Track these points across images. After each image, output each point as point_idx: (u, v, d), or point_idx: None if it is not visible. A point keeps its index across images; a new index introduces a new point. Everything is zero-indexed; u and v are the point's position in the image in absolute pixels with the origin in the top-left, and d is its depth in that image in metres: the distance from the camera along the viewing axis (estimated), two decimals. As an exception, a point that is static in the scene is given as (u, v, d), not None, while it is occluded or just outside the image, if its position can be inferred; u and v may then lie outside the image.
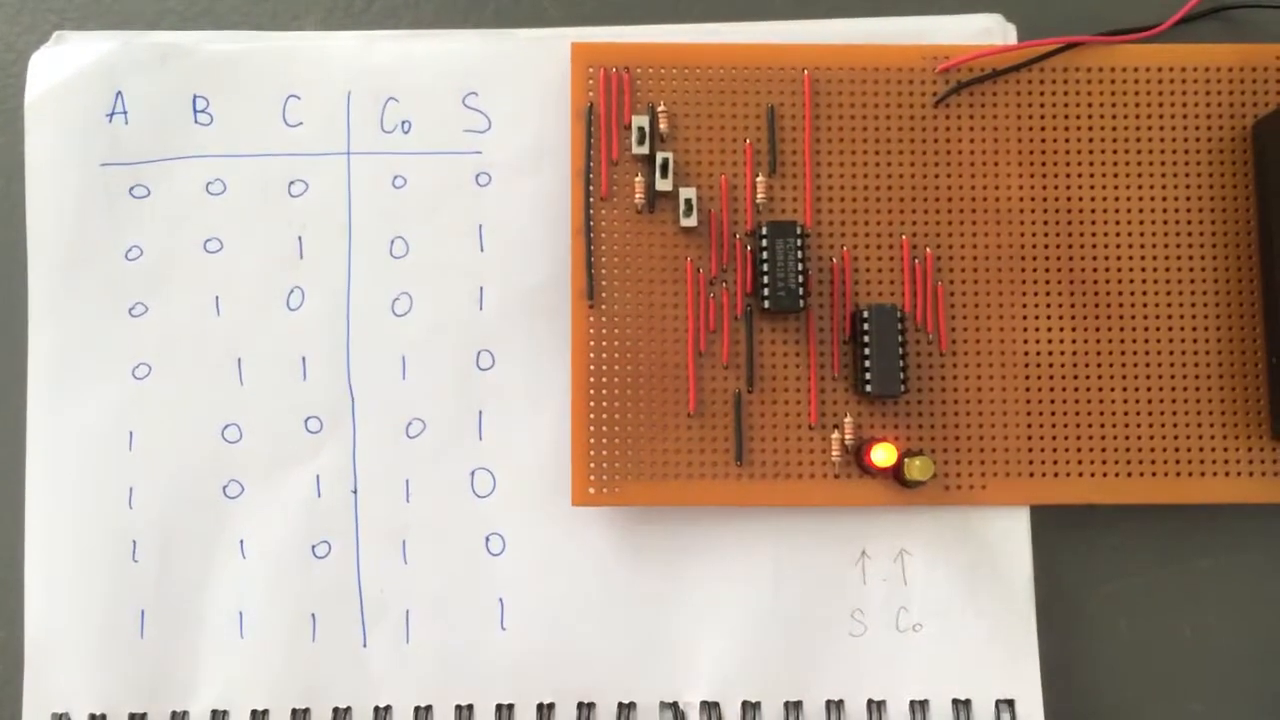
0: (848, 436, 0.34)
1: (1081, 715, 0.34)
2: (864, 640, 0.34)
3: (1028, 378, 0.34)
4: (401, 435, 0.34)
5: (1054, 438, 0.34)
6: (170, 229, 0.35)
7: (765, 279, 0.33)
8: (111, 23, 0.37)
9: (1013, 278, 0.34)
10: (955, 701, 0.34)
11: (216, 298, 0.35)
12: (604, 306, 0.34)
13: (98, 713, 0.34)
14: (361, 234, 0.35)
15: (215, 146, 0.35)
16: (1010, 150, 0.35)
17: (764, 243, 0.33)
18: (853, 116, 0.35)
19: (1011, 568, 0.34)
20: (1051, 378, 0.34)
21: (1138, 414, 0.34)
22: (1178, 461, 0.34)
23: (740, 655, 0.34)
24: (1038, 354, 0.34)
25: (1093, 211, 0.34)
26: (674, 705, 0.34)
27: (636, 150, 0.34)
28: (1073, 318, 0.34)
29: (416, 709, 0.34)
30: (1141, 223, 0.35)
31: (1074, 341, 0.34)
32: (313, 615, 0.34)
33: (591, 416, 0.33)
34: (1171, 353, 0.34)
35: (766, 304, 0.33)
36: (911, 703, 0.34)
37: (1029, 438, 0.34)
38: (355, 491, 0.34)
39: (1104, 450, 0.34)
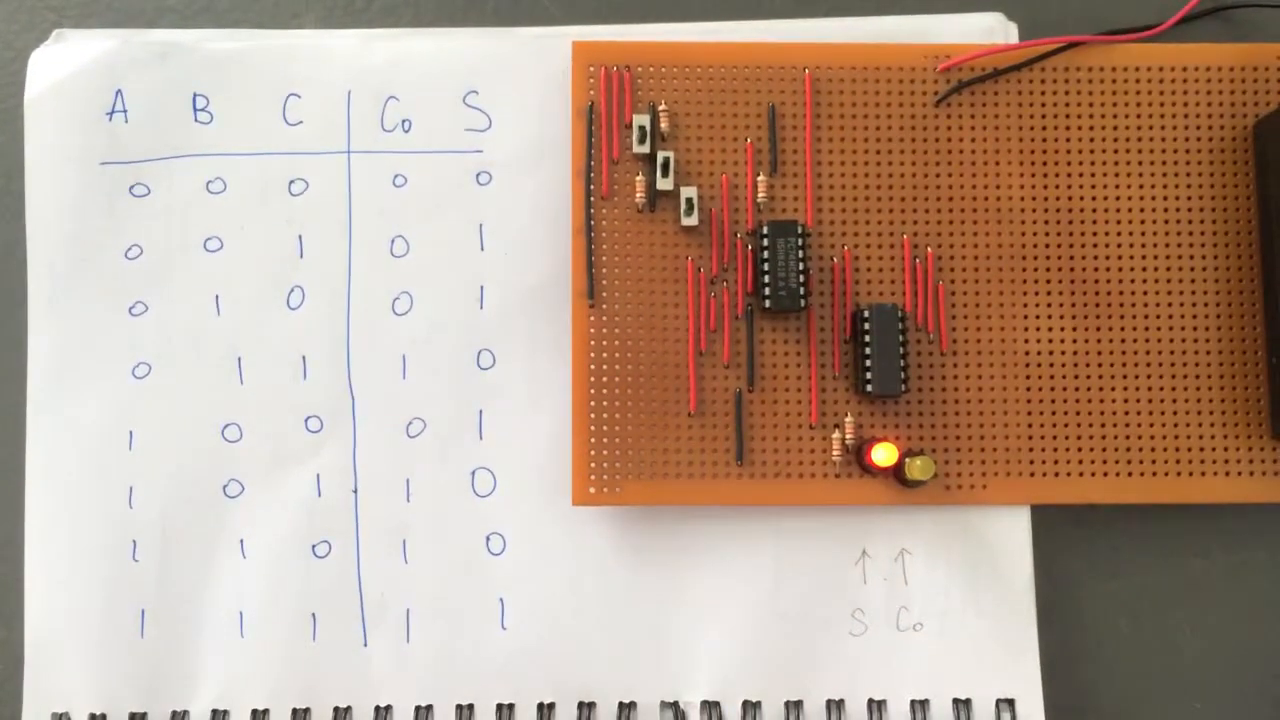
0: (848, 436, 0.34)
1: (1082, 714, 0.34)
2: (864, 640, 0.34)
3: (1028, 377, 0.34)
4: (402, 434, 0.34)
5: (1054, 437, 0.34)
6: (170, 228, 0.35)
7: (766, 278, 0.33)
8: (111, 21, 0.37)
9: (1013, 277, 0.34)
10: (956, 701, 0.34)
11: (216, 297, 0.35)
12: (604, 306, 0.34)
13: (98, 712, 0.34)
14: (362, 233, 0.35)
15: (215, 145, 0.35)
16: (1011, 150, 0.35)
17: (765, 242, 0.33)
18: (854, 116, 0.34)
19: (1012, 567, 0.34)
20: (1052, 377, 0.34)
21: (1138, 414, 0.34)
22: (1178, 461, 0.34)
23: (741, 655, 0.34)
24: (1038, 354, 0.34)
25: (1093, 211, 0.34)
26: (674, 705, 0.34)
27: (637, 149, 0.34)
28: (1073, 317, 0.34)
29: (417, 708, 0.34)
30: (1142, 222, 0.35)
31: (1075, 341, 0.34)
32: (313, 615, 0.34)
33: (592, 416, 0.33)
34: (1172, 352, 0.34)
35: (767, 303, 0.33)
36: (912, 702, 0.34)
37: (1029, 437, 0.34)
38: (355, 491, 0.34)
39: (1104, 450, 0.34)
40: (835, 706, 0.34)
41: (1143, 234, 0.34)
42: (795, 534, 0.34)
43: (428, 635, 0.34)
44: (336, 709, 0.34)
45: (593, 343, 0.34)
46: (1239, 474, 0.34)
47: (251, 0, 0.37)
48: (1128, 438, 0.34)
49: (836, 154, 0.34)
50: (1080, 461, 0.34)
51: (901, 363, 0.33)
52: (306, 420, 0.35)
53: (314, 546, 0.34)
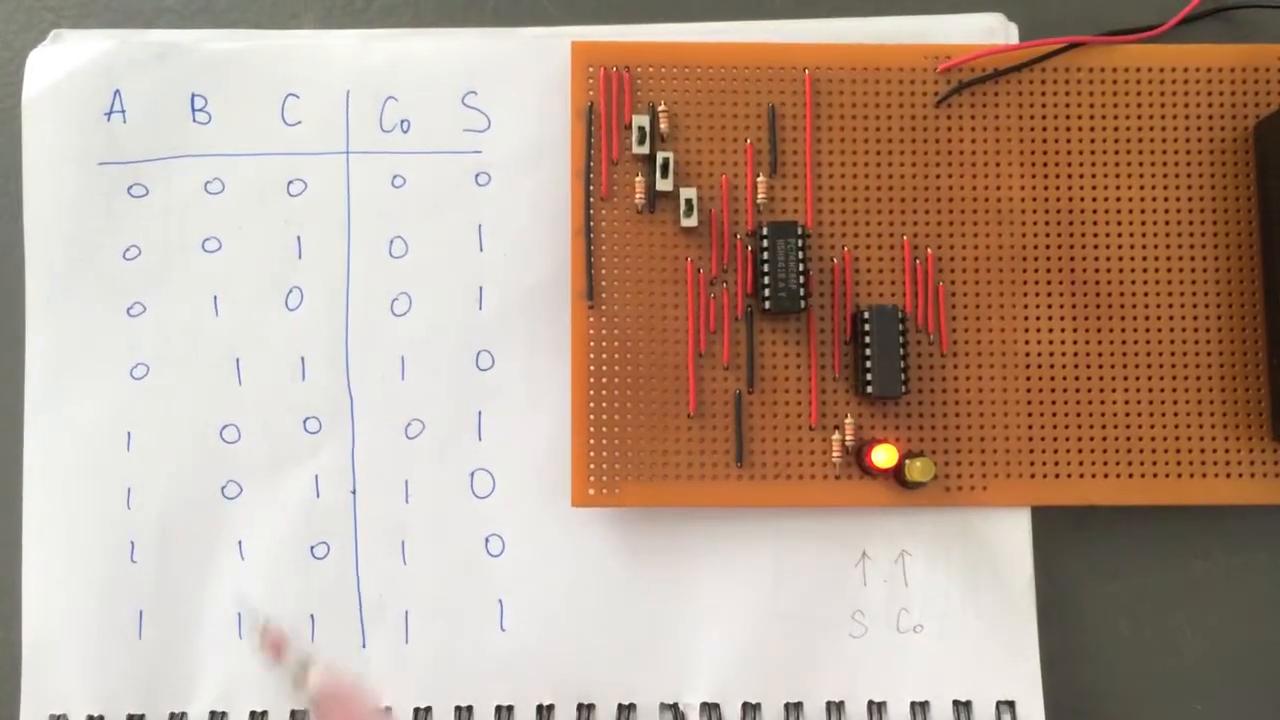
0: (848, 437, 0.34)
1: (1082, 716, 0.34)
2: (864, 641, 0.34)
3: (1029, 378, 0.34)
4: (400, 436, 0.34)
5: (1055, 439, 0.34)
6: (168, 228, 0.35)
7: (766, 279, 0.33)
8: (109, 21, 0.37)
9: (1014, 278, 0.34)
10: (956, 703, 0.33)
11: (215, 297, 0.35)
12: (604, 307, 0.34)
13: (95, 714, 0.33)
14: (360, 234, 0.35)
15: (213, 145, 0.35)
16: (1012, 150, 0.34)
17: (765, 243, 0.33)
18: (854, 116, 0.34)
19: (1012, 569, 0.34)
20: (1053, 378, 0.34)
21: (1139, 415, 0.34)
22: (1179, 463, 0.34)
23: (740, 656, 0.34)
24: (1039, 355, 0.34)
25: (1094, 212, 0.34)
26: (674, 706, 0.34)
27: (637, 150, 0.34)
28: (1074, 318, 0.34)
29: (416, 710, 0.34)
30: (1143, 223, 0.34)
31: (1075, 342, 0.34)
32: (311, 616, 0.34)
33: (591, 417, 0.33)
34: (1173, 354, 0.34)
35: (767, 304, 0.33)
36: (912, 704, 0.34)
37: (1030, 439, 0.34)
38: (354, 492, 0.34)
39: (1105, 451, 0.34)
40: (835, 708, 0.33)
41: (1143, 235, 0.34)
42: (795, 535, 0.34)
43: (427, 637, 0.34)
44: (335, 711, 0.34)
45: (592, 344, 0.34)
46: (1240, 475, 0.34)
47: (250, 0, 0.37)
48: (1128, 439, 0.34)
49: (836, 155, 0.34)
50: (1081, 463, 0.34)
51: (901, 364, 0.33)
52: (305, 421, 0.35)
53: (312, 548, 0.34)
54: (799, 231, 0.33)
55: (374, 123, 0.35)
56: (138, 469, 0.34)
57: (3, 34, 0.37)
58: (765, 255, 0.33)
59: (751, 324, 0.34)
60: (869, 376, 0.33)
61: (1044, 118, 0.35)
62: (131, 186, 0.35)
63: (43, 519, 0.34)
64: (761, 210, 0.34)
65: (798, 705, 0.33)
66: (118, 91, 0.35)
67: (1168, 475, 0.34)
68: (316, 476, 0.34)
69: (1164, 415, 0.34)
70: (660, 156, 0.34)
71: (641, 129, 0.34)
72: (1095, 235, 0.34)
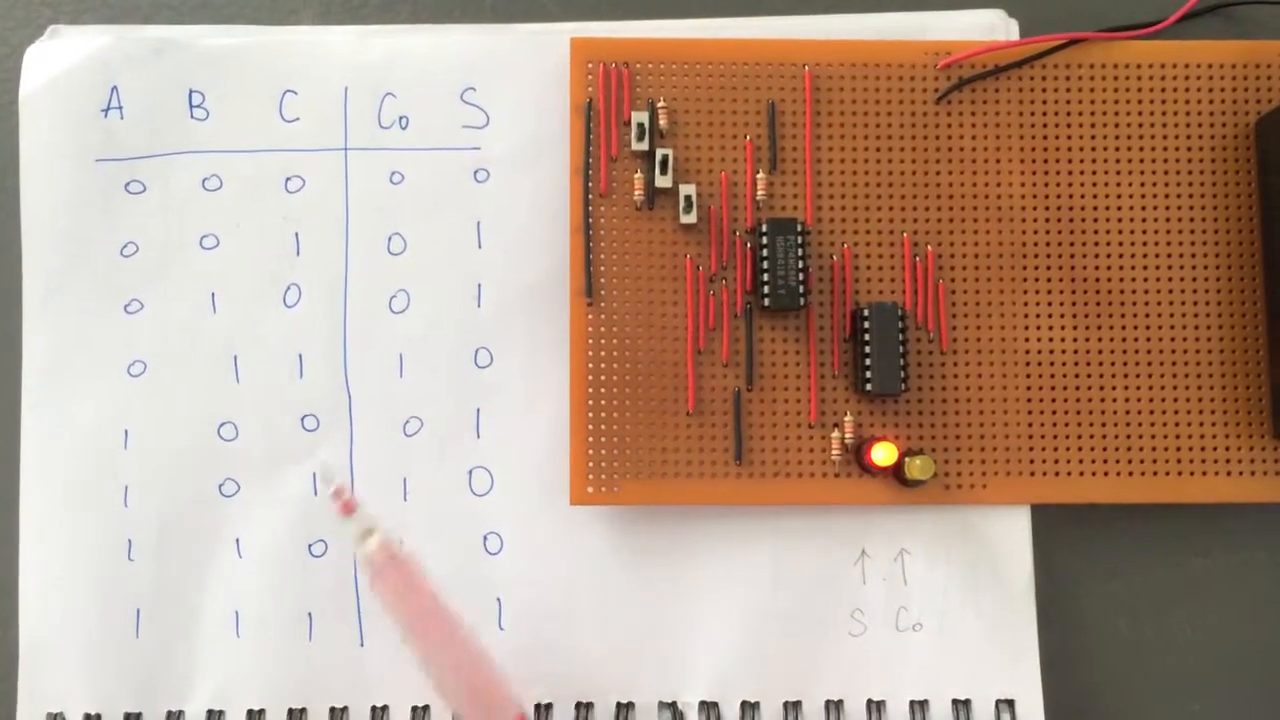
0: (848, 435, 0.33)
1: (1082, 714, 0.34)
2: (864, 640, 0.34)
3: (1028, 376, 0.34)
4: (399, 433, 0.34)
5: (1055, 436, 0.34)
6: (166, 225, 0.35)
7: (765, 276, 0.33)
8: (106, 16, 0.36)
9: (1014, 275, 0.34)
10: (955, 701, 0.33)
11: (213, 294, 0.35)
12: (603, 304, 0.34)
13: (93, 712, 0.33)
14: (359, 230, 0.35)
15: (211, 142, 0.35)
16: (1012, 147, 0.34)
17: (764, 240, 0.33)
18: (854, 113, 0.34)
19: (1012, 567, 0.34)
20: (1053, 376, 0.34)
21: (1139, 413, 0.34)
22: (1179, 460, 0.34)
23: (739, 655, 0.34)
24: (1039, 352, 0.34)
25: (1094, 209, 0.34)
26: (672, 705, 0.33)
27: (636, 146, 0.34)
28: (1074, 316, 0.34)
29: (414, 709, 0.33)
30: (1143, 220, 0.34)
31: (1075, 340, 0.34)
32: (309, 614, 0.34)
33: (590, 415, 0.33)
34: (1173, 351, 0.34)
35: (766, 302, 0.33)
36: (911, 703, 0.33)
37: (1029, 436, 0.34)
38: (352, 490, 0.34)
39: (1105, 449, 0.34)
40: (834, 707, 0.33)
41: (1144, 232, 0.34)
42: (794, 534, 0.34)
43: (425, 635, 0.34)
44: (333, 709, 0.33)
45: (591, 341, 0.33)
46: (1239, 473, 0.34)
47: (248, -4, 0.37)
48: (1128, 437, 0.34)
49: (836, 151, 0.34)
50: (1080, 461, 0.34)
51: (901, 361, 0.33)
52: (303, 419, 0.34)
53: (310, 546, 0.34)
54: (798, 228, 0.33)
55: (372, 119, 0.35)
56: (135, 467, 0.34)
57: (0, 30, 0.36)
58: (765, 252, 0.33)
59: (751, 321, 0.34)
60: (868, 374, 0.33)
61: (1044, 114, 0.34)
62: (129, 183, 0.35)
63: (40, 517, 0.34)
64: (761, 207, 0.34)
65: (796, 704, 0.33)
66: (115, 88, 0.35)
67: (1168, 473, 0.34)
68: (314, 474, 0.34)
69: (1164, 413, 0.34)
70: (659, 153, 0.33)
71: (641, 125, 0.34)
72: (1095, 232, 0.34)
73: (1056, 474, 0.34)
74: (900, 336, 0.33)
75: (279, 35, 0.36)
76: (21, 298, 0.35)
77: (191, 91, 0.35)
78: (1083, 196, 0.34)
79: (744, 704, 0.33)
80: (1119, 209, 0.34)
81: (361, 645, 0.34)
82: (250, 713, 0.33)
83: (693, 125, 0.34)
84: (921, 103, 0.34)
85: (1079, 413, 0.34)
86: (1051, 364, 0.34)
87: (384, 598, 0.30)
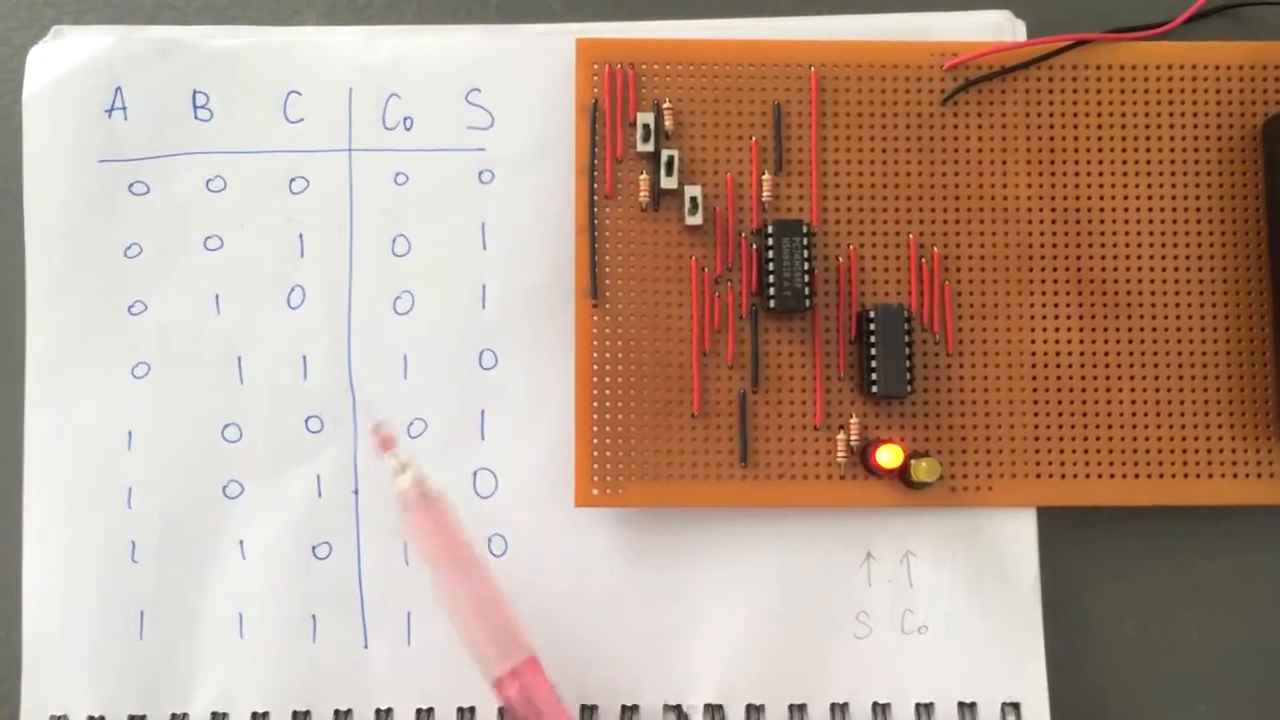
0: (853, 437, 0.33)
1: (1088, 717, 0.34)
2: (869, 642, 0.34)
3: (1035, 378, 0.34)
4: (403, 435, 0.34)
5: (1061, 439, 0.34)
6: (170, 226, 0.35)
7: (771, 278, 0.33)
8: (110, 17, 0.36)
9: (1020, 277, 0.34)
10: (961, 704, 0.33)
11: (216, 296, 0.35)
12: (608, 305, 0.34)
13: (96, 714, 0.33)
14: (363, 231, 0.35)
15: (215, 143, 0.35)
16: (1018, 148, 0.34)
17: (770, 241, 0.33)
18: (859, 114, 0.34)
19: (1018, 569, 0.34)
20: (1059, 378, 0.34)
21: (1145, 415, 0.34)
22: (1185, 463, 0.34)
23: (744, 657, 0.34)
24: (1045, 354, 0.34)
25: (1101, 211, 0.34)
26: (678, 708, 0.33)
27: (641, 147, 0.34)
28: (1080, 318, 0.34)
29: (418, 711, 0.33)
30: (1150, 222, 0.34)
31: (1082, 342, 0.34)
32: (313, 616, 0.34)
33: (595, 417, 0.33)
34: (1180, 353, 0.34)
35: (772, 303, 0.33)
36: (917, 705, 0.33)
37: (1036, 439, 0.34)
38: (356, 492, 0.34)
39: (1111, 452, 0.34)
40: (839, 710, 0.33)
41: (1151, 234, 0.34)
42: (799, 536, 0.34)
43: (429, 637, 0.34)
44: (337, 711, 0.33)
45: (596, 343, 0.33)
46: (1246, 476, 0.34)
47: (252, -4, 0.37)
48: (1134, 439, 0.34)
49: (842, 153, 0.34)
50: (1087, 463, 0.34)
51: (907, 363, 0.33)
52: (307, 420, 0.34)
53: (314, 547, 0.34)
54: (804, 230, 0.33)
55: (377, 120, 0.35)
56: (139, 468, 0.34)
57: (3, 30, 0.36)
58: (770, 254, 0.33)
59: (756, 323, 0.34)
60: (874, 376, 0.33)
61: (1051, 116, 0.34)
62: (132, 184, 0.35)
63: (43, 518, 0.34)
64: (766, 208, 0.34)
65: (802, 707, 0.33)
66: (119, 88, 0.35)
67: (1174, 475, 0.34)
68: (318, 476, 0.34)
69: (1170, 415, 0.34)
70: (665, 154, 0.33)
71: (646, 126, 0.33)
72: (1102, 234, 0.34)
73: (1062, 476, 0.34)
74: (906, 338, 0.33)
75: (283, 36, 0.36)
76: (25, 298, 0.35)
77: (195, 92, 0.35)
78: (1089, 198, 0.34)
79: (749, 706, 0.33)
80: (1126, 210, 0.34)
81: (366, 647, 0.34)
82: (254, 715, 0.33)
83: (698, 126, 0.34)
84: (928, 104, 0.34)
85: (1085, 415, 0.34)
86: (1058, 366, 0.34)
87: (413, 532, 0.31)
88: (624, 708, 0.33)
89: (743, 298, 0.34)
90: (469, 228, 0.35)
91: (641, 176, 0.34)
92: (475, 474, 0.34)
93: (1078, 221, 0.34)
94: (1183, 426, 0.34)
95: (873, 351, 0.33)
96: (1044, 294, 0.34)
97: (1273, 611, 0.35)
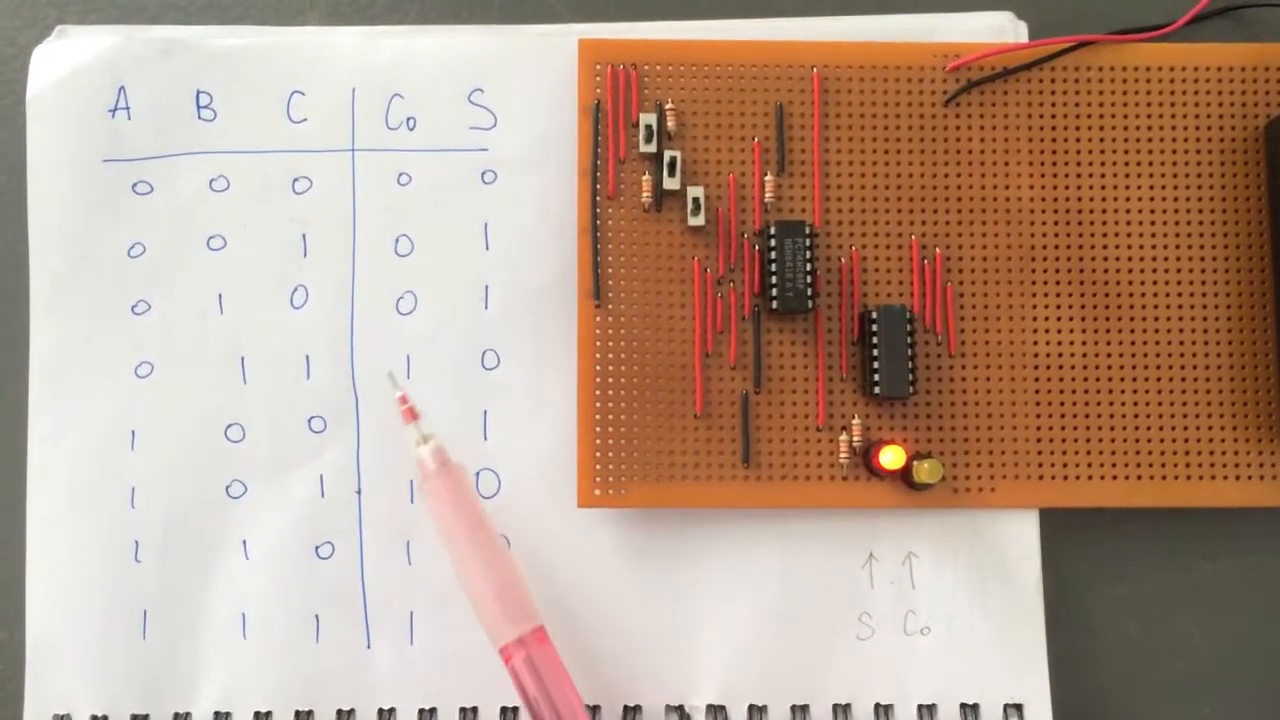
0: (856, 438, 0.33)
1: (1090, 718, 0.34)
2: (871, 643, 0.34)
3: (1037, 380, 0.34)
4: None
5: (1064, 440, 0.34)
6: (173, 226, 0.35)
7: (773, 279, 0.33)
8: (114, 17, 0.36)
9: (1023, 279, 0.34)
10: (963, 705, 0.33)
11: (220, 295, 0.35)
12: (610, 306, 0.34)
13: (99, 714, 0.33)
14: (366, 232, 0.35)
15: (219, 143, 0.35)
16: (1021, 150, 0.34)
17: (772, 242, 0.33)
18: (862, 115, 0.34)
19: (1020, 571, 0.34)
20: (1061, 380, 0.34)
21: (1148, 416, 0.34)
22: (1188, 465, 0.34)
23: (747, 658, 0.34)
24: (1048, 356, 0.34)
25: (1104, 212, 0.34)
26: (680, 708, 0.33)
27: (644, 148, 0.34)
28: (1083, 319, 0.34)
29: (420, 711, 0.33)
30: (1153, 223, 0.34)
31: (1084, 343, 0.34)
32: (316, 616, 0.34)
33: (597, 417, 0.33)
34: (1182, 355, 0.34)
35: (774, 304, 0.33)
36: (919, 706, 0.33)
37: (1038, 440, 0.34)
38: (359, 492, 0.34)
39: (1114, 453, 0.34)
40: (842, 711, 0.33)
41: (1153, 235, 0.34)
42: (802, 537, 0.34)
43: (431, 637, 0.34)
44: (339, 711, 0.33)
45: (598, 343, 0.33)
46: (1248, 478, 0.34)
47: (255, -3, 0.37)
48: (1137, 441, 0.34)
49: (845, 154, 0.34)
50: (1089, 465, 0.34)
51: (909, 364, 0.33)
52: (310, 420, 0.34)
53: (317, 547, 0.34)
54: (807, 231, 0.33)
55: (380, 120, 0.35)
56: (142, 468, 0.34)
57: (7, 30, 0.36)
58: (773, 255, 0.33)
59: (759, 324, 0.34)
60: (877, 377, 0.33)
61: (1053, 117, 0.34)
62: (136, 184, 0.35)
63: (46, 518, 0.34)
64: (769, 209, 0.34)
65: (804, 708, 0.33)
66: (122, 88, 0.35)
67: (1176, 477, 0.34)
68: (321, 476, 0.34)
69: (1173, 417, 0.34)
70: (667, 155, 0.33)
71: (649, 127, 0.33)
72: (1104, 235, 0.34)
73: (1065, 478, 0.34)
74: (909, 339, 0.33)
75: (286, 36, 0.36)
76: (28, 298, 0.35)
77: (199, 92, 0.35)
78: (1092, 199, 0.34)
79: (751, 707, 0.33)
80: (1128, 212, 0.34)
81: (368, 647, 0.34)
82: (257, 714, 0.33)
83: (701, 127, 0.34)
84: (930, 105, 0.34)
85: (1087, 416, 0.34)
86: (1060, 367, 0.34)
87: (431, 501, 0.32)
88: (626, 708, 0.33)
89: (745, 298, 0.34)
90: (472, 228, 0.35)
91: (644, 177, 0.34)
92: (478, 474, 0.34)
93: (1080, 223, 0.34)
94: (1185, 428, 0.34)
95: (875, 352, 0.33)
96: (1046, 295, 0.34)
97: (1275, 613, 0.35)
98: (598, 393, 0.33)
